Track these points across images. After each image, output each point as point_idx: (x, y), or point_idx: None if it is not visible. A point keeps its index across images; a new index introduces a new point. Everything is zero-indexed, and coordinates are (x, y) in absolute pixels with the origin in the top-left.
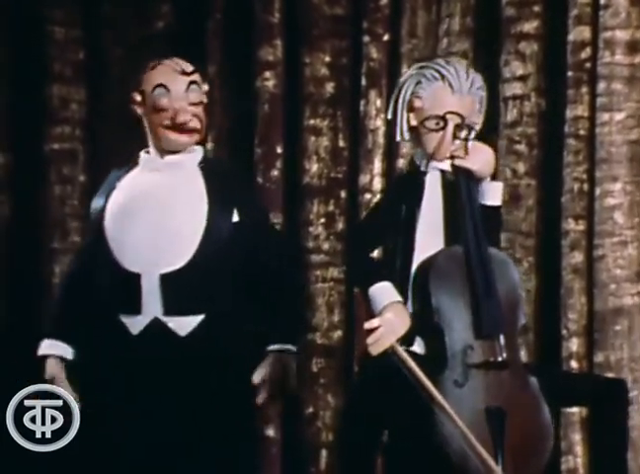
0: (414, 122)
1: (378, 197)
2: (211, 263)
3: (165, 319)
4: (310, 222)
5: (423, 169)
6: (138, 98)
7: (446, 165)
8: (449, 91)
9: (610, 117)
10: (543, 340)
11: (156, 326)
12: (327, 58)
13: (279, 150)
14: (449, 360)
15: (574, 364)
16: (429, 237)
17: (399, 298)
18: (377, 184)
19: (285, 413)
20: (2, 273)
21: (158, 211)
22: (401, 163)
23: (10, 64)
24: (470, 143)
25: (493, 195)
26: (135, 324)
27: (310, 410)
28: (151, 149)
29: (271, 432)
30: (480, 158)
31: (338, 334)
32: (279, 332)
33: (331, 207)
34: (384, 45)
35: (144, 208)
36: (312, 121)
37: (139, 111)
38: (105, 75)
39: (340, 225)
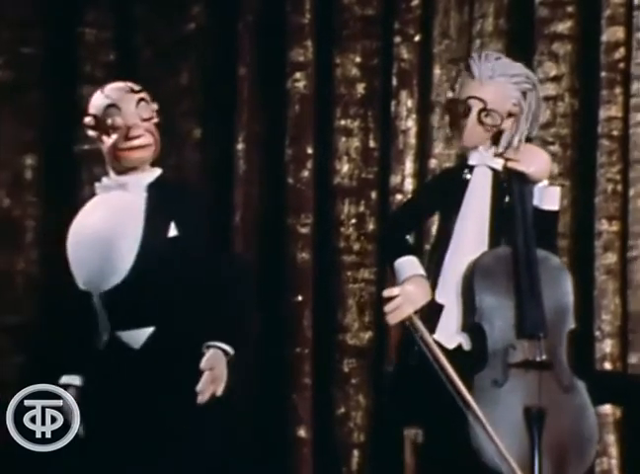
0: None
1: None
2: (149, 277)
3: (118, 333)
4: (341, 223)
5: (472, 162)
6: (92, 122)
7: (498, 164)
8: (470, 77)
9: None
10: (577, 341)
11: (114, 341)
12: (358, 59)
13: (309, 151)
14: (490, 359)
15: (607, 366)
16: (469, 232)
17: (422, 272)
18: (408, 184)
19: (317, 413)
20: (35, 274)
21: (100, 231)
22: (433, 163)
23: (41, 65)
24: (525, 145)
25: (550, 199)
26: (99, 340)
27: (342, 410)
28: (110, 171)
29: (302, 432)
30: (534, 161)
31: (369, 335)
32: (216, 330)
33: (362, 208)
34: (415, 46)
35: (89, 228)
36: (343, 122)
37: (94, 134)
38: (136, 76)
39: (370, 226)
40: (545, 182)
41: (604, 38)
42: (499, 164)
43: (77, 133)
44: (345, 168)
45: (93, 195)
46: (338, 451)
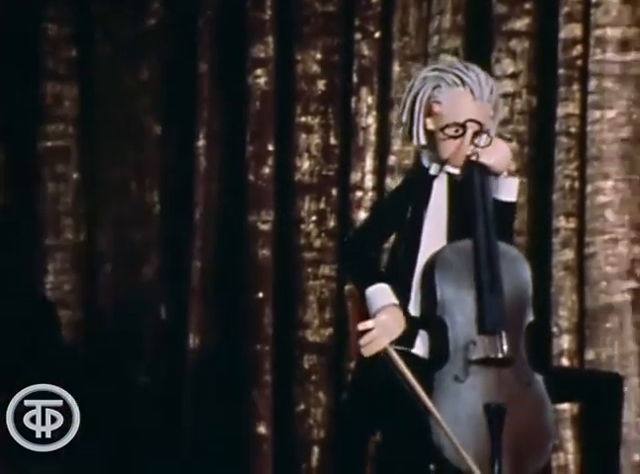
0: (431, 127)
1: (370, 194)
2: None
3: None
4: (301, 220)
5: (433, 172)
6: None
7: (456, 169)
8: (470, 98)
9: (602, 114)
10: (534, 337)
11: None
12: (318, 56)
13: (270, 147)
14: (451, 355)
15: (565, 362)
16: (434, 239)
17: (395, 301)
18: (369, 181)
19: (277, 410)
20: None
21: None
22: (392, 160)
23: (3, 62)
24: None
25: (508, 190)
26: None
27: (302, 407)
28: None
29: (262, 429)
30: (495, 153)
31: (329, 331)
32: None
33: (322, 205)
34: (375, 43)
35: None
36: (303, 119)
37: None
38: (98, 72)
39: (331, 223)
40: (505, 173)
41: (562, 35)
42: (457, 169)
43: (40, 130)
44: (305, 165)
45: (56, 190)
46: (298, 448)
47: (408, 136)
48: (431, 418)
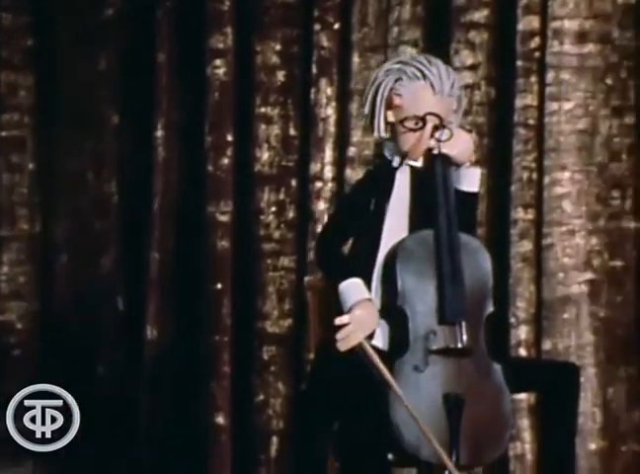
0: (391, 119)
1: (330, 185)
2: None
3: None
4: (261, 211)
5: (395, 165)
6: None
7: (419, 162)
8: (431, 92)
9: (559, 106)
10: (492, 328)
11: None
12: (278, 46)
13: (229, 138)
14: (411, 345)
15: (522, 352)
16: (395, 231)
17: (369, 296)
18: (328, 172)
19: (236, 401)
20: None
21: None
22: (352, 151)
23: None
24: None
25: (470, 180)
26: None
27: (261, 397)
28: None
29: (220, 419)
30: (459, 143)
31: (288, 322)
32: None
33: (282, 196)
34: (335, 34)
35: None
36: (263, 110)
37: None
38: (54, 62)
39: (290, 214)
40: (467, 164)
41: (520, 26)
42: (419, 162)
43: None
44: (265, 155)
45: (11, 181)
46: (257, 439)
47: (370, 128)
48: (405, 411)
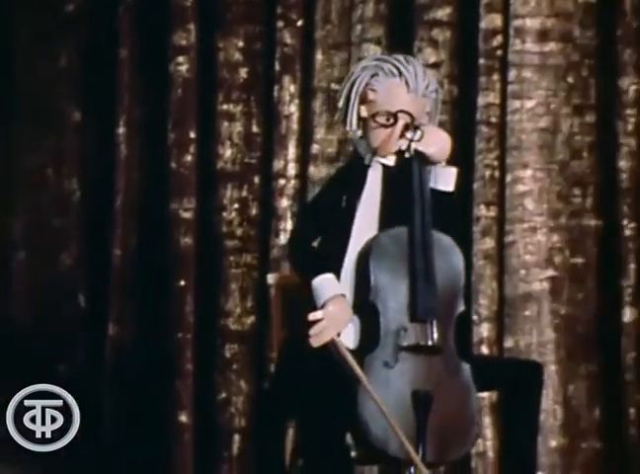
0: (364, 114)
1: (293, 182)
2: None
3: None
4: (224, 208)
5: (367, 162)
6: None
7: (391, 161)
8: (405, 89)
9: (521, 104)
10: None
11: None
12: (240, 43)
13: (192, 135)
14: (382, 340)
15: (484, 350)
16: (365, 229)
17: (342, 291)
18: (291, 169)
19: (198, 398)
20: None
21: None
22: (315, 149)
23: None
24: (428, 127)
25: (445, 180)
26: None
27: (223, 395)
28: None
29: (183, 417)
30: (436, 142)
31: (251, 320)
32: None
33: (244, 193)
34: (298, 31)
35: None
36: (225, 107)
37: None
38: (15, 58)
39: (253, 211)
40: (443, 163)
41: (483, 25)
42: (392, 160)
43: None
44: (227, 153)
45: None
46: (219, 437)
47: (342, 122)
48: (373, 406)
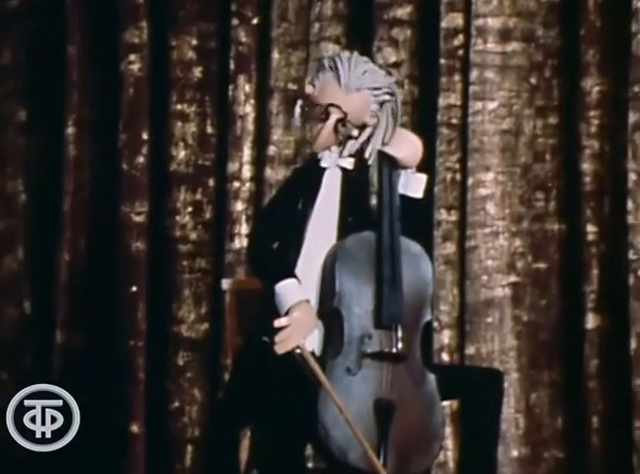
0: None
1: (248, 185)
2: None
3: None
4: (177, 211)
5: (324, 165)
6: None
7: (349, 164)
8: (336, 83)
9: (483, 105)
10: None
11: None
12: (194, 42)
13: (144, 136)
14: (345, 347)
15: (445, 357)
16: (320, 233)
17: (306, 297)
18: (247, 172)
19: (150, 408)
20: None
21: None
22: (272, 150)
23: None
24: (398, 130)
25: (414, 186)
26: None
27: (176, 404)
28: None
29: (135, 427)
30: (406, 146)
31: (205, 326)
32: None
33: (198, 196)
34: (254, 29)
35: None
36: (179, 107)
37: None
38: None
39: (207, 214)
40: (413, 169)
41: (444, 24)
42: (350, 163)
43: None
44: (181, 154)
45: None
46: (171, 447)
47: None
48: (335, 414)
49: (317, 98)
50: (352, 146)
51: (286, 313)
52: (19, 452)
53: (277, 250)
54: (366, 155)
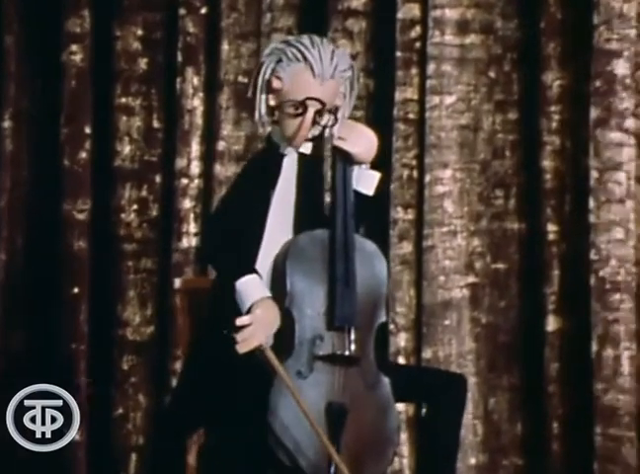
0: (273, 103)
1: (196, 182)
2: None
3: None
4: (122, 209)
5: (282, 151)
6: None
7: (307, 148)
8: (310, 75)
9: (440, 100)
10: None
11: None
12: (140, 32)
13: (87, 130)
14: (296, 349)
15: (401, 360)
16: (280, 224)
17: (269, 293)
18: (195, 168)
19: (93, 414)
20: None
21: None
22: (221, 146)
23: None
24: (352, 123)
25: (367, 183)
26: None
27: (120, 411)
28: None
29: (76, 435)
30: (362, 141)
31: (151, 329)
32: None
33: (144, 193)
34: (202, 19)
35: None
36: (124, 100)
37: None
38: None
39: (154, 212)
40: (367, 165)
41: (400, 15)
42: (308, 148)
43: None
44: (126, 149)
45: None
46: (115, 455)
47: (252, 114)
48: (289, 418)
49: (288, 93)
50: (314, 130)
51: (248, 311)
52: (19, 452)
53: (235, 244)
54: (334, 131)
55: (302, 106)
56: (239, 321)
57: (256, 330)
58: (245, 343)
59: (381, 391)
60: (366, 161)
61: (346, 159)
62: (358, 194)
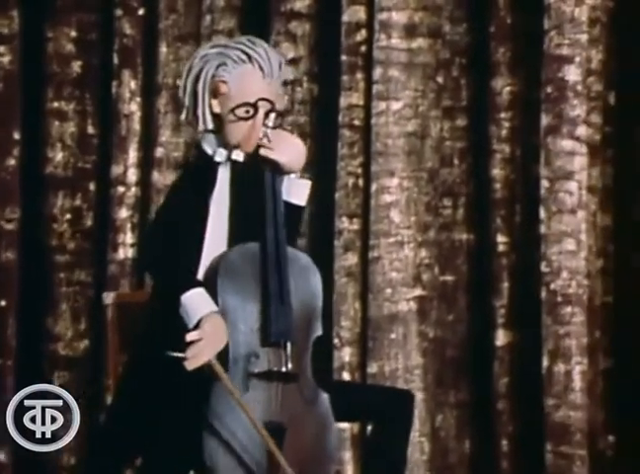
0: (217, 110)
1: (133, 190)
2: None
3: None
4: (54, 218)
5: (219, 159)
6: None
7: (239, 155)
8: (260, 75)
9: (387, 106)
10: (312, 349)
11: None
12: (73, 33)
13: (16, 136)
14: (231, 367)
15: (346, 376)
16: (218, 234)
17: (216, 307)
18: (132, 175)
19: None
20: None
21: None
22: (160, 152)
23: None
24: (279, 132)
25: (298, 193)
26: None
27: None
28: None
29: (2, 456)
30: (290, 150)
31: (84, 344)
32: None
33: (78, 202)
34: (139, 20)
35: None
36: (56, 104)
37: None
38: None
39: (88, 222)
40: (297, 174)
41: (345, 18)
42: (240, 156)
43: None
44: (58, 156)
45: None
46: None
47: (193, 121)
48: (223, 446)
49: (238, 96)
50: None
51: (196, 326)
52: (19, 452)
53: (176, 255)
54: (269, 122)
55: (254, 107)
56: (189, 337)
57: (205, 345)
58: (194, 359)
59: (320, 407)
60: (295, 170)
61: (274, 169)
62: (289, 204)
